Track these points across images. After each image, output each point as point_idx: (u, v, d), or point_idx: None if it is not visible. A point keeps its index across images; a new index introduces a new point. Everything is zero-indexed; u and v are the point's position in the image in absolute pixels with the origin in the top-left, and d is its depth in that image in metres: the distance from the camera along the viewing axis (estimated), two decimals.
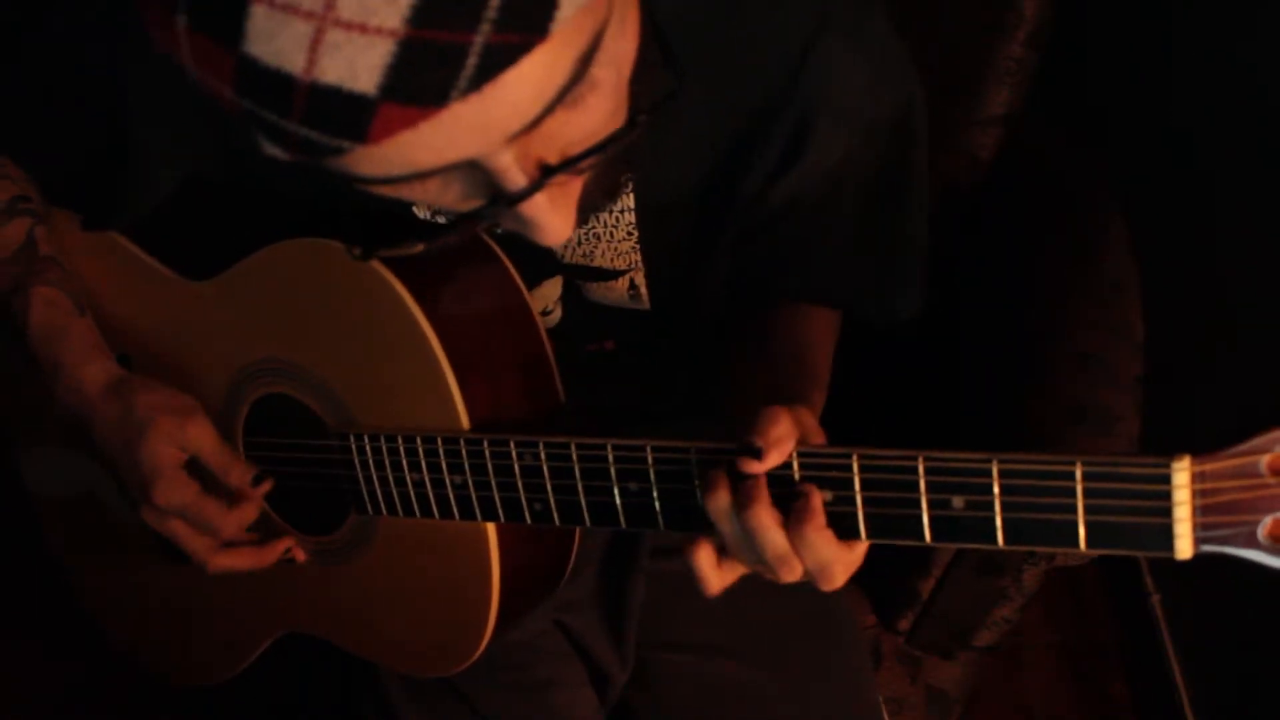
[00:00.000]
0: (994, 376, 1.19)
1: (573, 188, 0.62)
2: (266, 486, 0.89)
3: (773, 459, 0.67)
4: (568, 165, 0.59)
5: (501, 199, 0.59)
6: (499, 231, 0.88)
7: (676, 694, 1.03)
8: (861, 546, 0.70)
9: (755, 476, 0.68)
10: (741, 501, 0.68)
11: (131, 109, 0.87)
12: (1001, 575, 1.12)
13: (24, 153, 0.94)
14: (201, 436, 0.87)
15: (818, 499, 0.67)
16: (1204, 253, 1.49)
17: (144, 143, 0.89)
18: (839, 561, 0.68)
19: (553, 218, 0.61)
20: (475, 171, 0.57)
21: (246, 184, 0.91)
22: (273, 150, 0.55)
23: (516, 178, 0.57)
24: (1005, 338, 1.21)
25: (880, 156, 0.87)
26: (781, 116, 0.82)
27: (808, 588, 0.74)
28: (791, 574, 0.69)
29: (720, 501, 0.69)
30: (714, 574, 0.73)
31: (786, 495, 0.68)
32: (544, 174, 0.58)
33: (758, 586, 1.04)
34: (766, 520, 0.67)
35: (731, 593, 1.04)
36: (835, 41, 0.80)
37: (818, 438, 0.71)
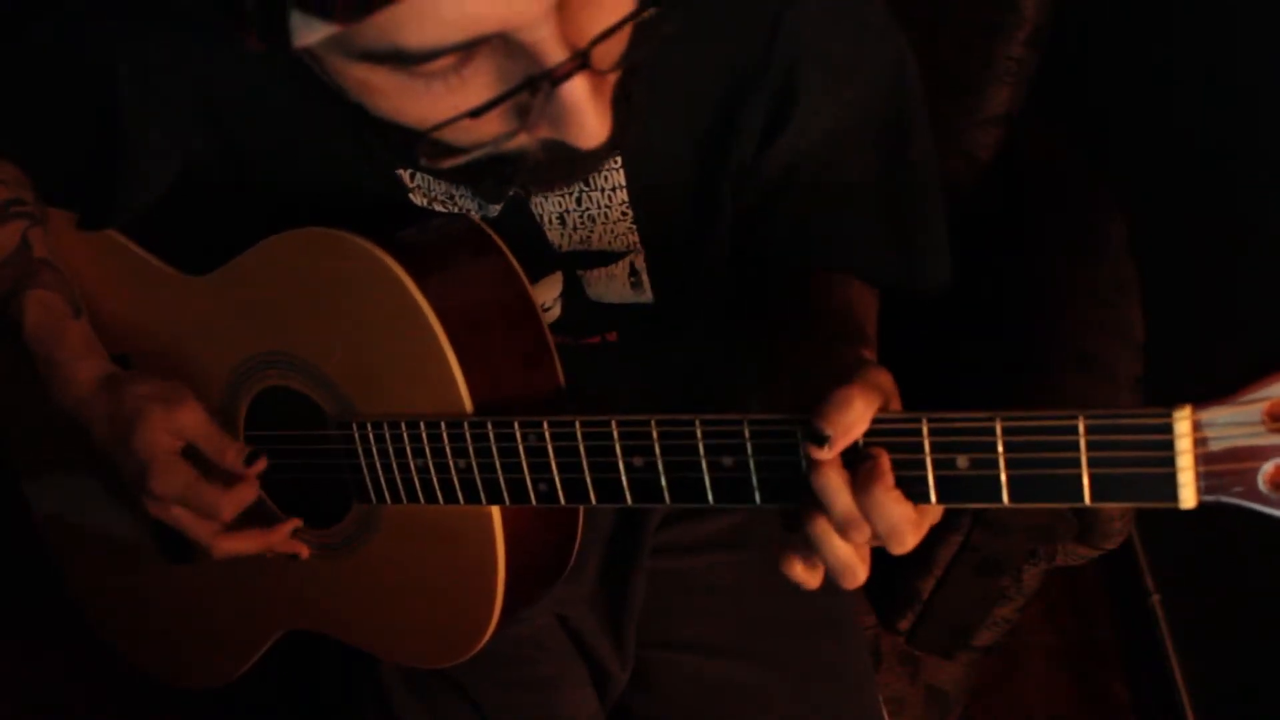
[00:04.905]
0: (993, 376, 1.19)
1: (606, 85, 0.63)
2: (261, 465, 0.88)
3: (840, 446, 0.64)
4: (603, 37, 0.60)
5: (542, 77, 0.60)
6: (519, 190, 0.86)
7: (677, 694, 1.03)
8: (934, 510, 0.66)
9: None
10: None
11: (126, 102, 0.88)
12: (1001, 575, 1.12)
13: (20, 147, 0.95)
14: (192, 421, 0.87)
15: (886, 460, 0.64)
16: (1205, 252, 1.49)
17: (139, 136, 0.89)
18: (908, 521, 0.65)
19: (591, 106, 0.61)
20: (514, 52, 0.59)
21: (241, 177, 0.92)
22: (310, 33, 0.56)
23: (556, 50, 0.59)
24: (1005, 338, 1.21)
25: (877, 116, 0.85)
26: (763, 80, 0.81)
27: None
28: (860, 535, 0.65)
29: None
30: (807, 576, 0.70)
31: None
32: (582, 51, 0.59)
33: (758, 586, 1.05)
34: (836, 482, 0.64)
35: (732, 592, 1.04)
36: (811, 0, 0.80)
37: (896, 401, 0.67)
